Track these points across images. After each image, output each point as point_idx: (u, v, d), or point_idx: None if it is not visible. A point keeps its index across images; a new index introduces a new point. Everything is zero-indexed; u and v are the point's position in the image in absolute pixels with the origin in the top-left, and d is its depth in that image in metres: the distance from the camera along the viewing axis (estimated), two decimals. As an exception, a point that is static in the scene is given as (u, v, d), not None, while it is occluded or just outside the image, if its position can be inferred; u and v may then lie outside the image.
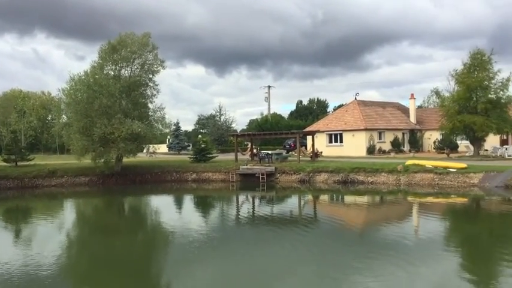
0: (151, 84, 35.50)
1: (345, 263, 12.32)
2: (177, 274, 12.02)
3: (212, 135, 65.78)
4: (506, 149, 37.08)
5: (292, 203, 26.44)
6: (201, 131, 78.36)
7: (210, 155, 40.46)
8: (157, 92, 35.96)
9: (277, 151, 41.99)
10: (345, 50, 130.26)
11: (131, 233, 18.45)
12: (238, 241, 15.92)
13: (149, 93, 35.73)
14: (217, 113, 76.44)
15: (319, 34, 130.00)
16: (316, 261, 12.71)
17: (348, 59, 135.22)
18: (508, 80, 36.14)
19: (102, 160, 33.19)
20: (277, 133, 43.60)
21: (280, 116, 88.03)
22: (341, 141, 47.23)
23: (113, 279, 11.90)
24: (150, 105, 36.15)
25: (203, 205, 26.67)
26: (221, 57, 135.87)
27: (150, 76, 35.24)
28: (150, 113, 35.91)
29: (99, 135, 31.37)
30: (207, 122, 78.30)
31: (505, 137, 44.34)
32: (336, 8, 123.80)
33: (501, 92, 36.40)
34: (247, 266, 12.53)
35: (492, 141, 41.66)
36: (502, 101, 36.34)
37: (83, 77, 33.15)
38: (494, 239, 15.24)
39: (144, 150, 37.26)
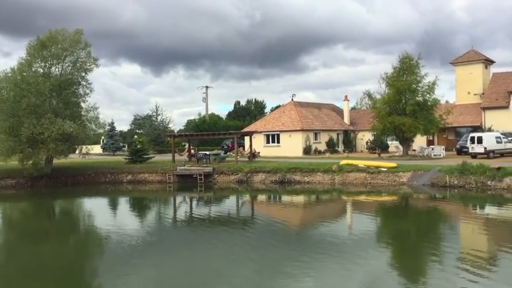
0: (84, 83, 34.39)
1: (282, 262, 12.46)
2: (111, 280, 11.63)
3: (149, 135, 64.46)
4: (432, 149, 39.14)
5: (229, 204, 26.45)
6: (137, 131, 76.56)
7: (147, 156, 39.67)
8: (91, 91, 34.94)
9: (215, 152, 41.85)
10: (282, 51, 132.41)
11: (62, 238, 17.70)
12: (175, 243, 15.71)
13: (82, 92, 34.56)
14: (154, 113, 74.93)
15: (257, 35, 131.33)
16: (254, 261, 12.79)
17: (286, 61, 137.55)
18: (433, 83, 38.19)
19: (31, 162, 31.60)
20: (215, 134, 43.50)
21: (218, 116, 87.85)
22: (278, 142, 47.84)
23: None
24: (82, 104, 35.00)
25: (139, 207, 26.07)
26: (158, 56, 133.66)
27: (83, 74, 34.10)
28: (82, 113, 34.68)
29: (27, 135, 29.86)
30: (143, 122, 76.58)
31: (431, 138, 46.82)
32: (273, 9, 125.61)
33: (428, 95, 38.37)
34: (184, 269, 12.38)
35: (419, 141, 43.83)
36: (429, 103, 38.30)
37: (10, 74, 31.54)
38: (421, 234, 16.05)
39: (77, 151, 35.88)
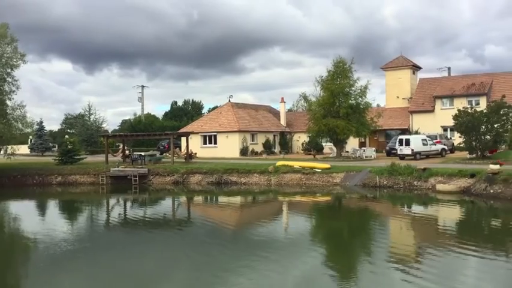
0: (9, 80, 32.61)
1: (218, 263, 12.42)
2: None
3: (81, 135, 61.98)
4: (364, 150, 40.64)
5: (165, 205, 26.03)
6: (68, 131, 73.29)
7: (78, 157, 38.18)
8: (17, 88, 33.26)
9: (150, 152, 41.07)
10: (220, 52, 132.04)
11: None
12: (107, 247, 15.21)
13: (7, 89, 32.73)
14: (87, 112, 72.21)
15: (195, 35, 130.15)
16: (191, 263, 12.65)
17: (223, 61, 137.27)
18: (365, 87, 39.67)
19: None
20: (151, 134, 42.69)
21: (154, 116, 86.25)
22: (215, 143, 47.72)
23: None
24: (8, 102, 33.16)
25: (69, 210, 25.00)
26: (90, 53, 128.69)
27: (9, 71, 32.36)
28: (8, 111, 32.86)
29: None
30: (75, 122, 73.55)
31: (363, 140, 48.58)
32: (210, 9, 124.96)
33: (360, 98, 39.80)
34: (118, 273, 12.02)
35: (352, 143, 45.36)
36: (361, 106, 39.75)
37: None
38: (354, 233, 16.62)
39: (1, 152, 33.87)
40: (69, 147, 37.88)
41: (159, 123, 73.41)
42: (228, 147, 45.94)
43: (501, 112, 31.84)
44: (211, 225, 18.71)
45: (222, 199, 26.93)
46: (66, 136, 43.89)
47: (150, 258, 13.17)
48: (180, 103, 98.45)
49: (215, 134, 47.66)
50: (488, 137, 31.78)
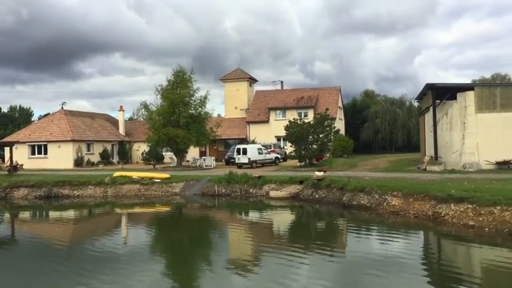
0: None
1: (52, 282, 11.37)
2: None
3: None
4: (204, 159, 41.40)
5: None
6: None
7: None
8: None
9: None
10: (53, 55, 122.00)
11: None
12: None
13: None
14: None
15: (24, 35, 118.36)
16: (22, 285, 11.34)
17: (57, 65, 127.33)
18: (205, 97, 40.60)
19: None
20: (-34, 143, 37.52)
21: (-30, 123, 76.08)
22: (45, 153, 44.11)
23: None
24: None
25: None
26: None
27: None
28: None
29: None
30: None
31: (203, 149, 49.49)
32: (41, 8, 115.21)
33: (200, 108, 40.55)
34: None
35: (193, 152, 45.87)
36: (201, 116, 40.49)
37: None
38: (194, 242, 16.68)
39: None
40: None
41: (-24, 131, 65.00)
42: (61, 158, 42.82)
43: (325, 123, 35.33)
44: (40, 243, 17.08)
45: (53, 214, 24.84)
46: None
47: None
48: (5, 109, 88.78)
49: (45, 143, 44.02)
50: (315, 146, 34.97)
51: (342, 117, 55.95)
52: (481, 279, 10.73)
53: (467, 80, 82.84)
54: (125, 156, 50.45)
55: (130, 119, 71.99)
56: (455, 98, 28.40)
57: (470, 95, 27.78)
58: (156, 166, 41.08)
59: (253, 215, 22.80)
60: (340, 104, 53.65)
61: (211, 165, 39.82)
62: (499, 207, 15.08)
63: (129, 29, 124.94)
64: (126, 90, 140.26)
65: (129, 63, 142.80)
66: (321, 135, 35.02)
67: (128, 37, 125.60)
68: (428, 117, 31.61)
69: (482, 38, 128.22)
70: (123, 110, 54.03)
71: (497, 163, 26.88)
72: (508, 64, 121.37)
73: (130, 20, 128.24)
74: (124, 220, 22.71)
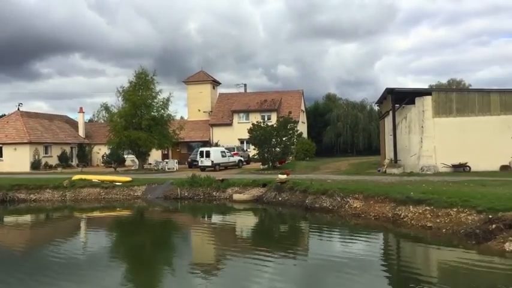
0: None
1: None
2: None
3: None
4: (167, 162, 40.92)
5: None
6: None
7: None
8: None
9: None
10: (9, 54, 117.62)
11: None
12: None
13: None
14: None
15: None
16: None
17: (13, 65, 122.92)
18: (167, 99, 40.18)
19: None
20: None
21: None
22: (0, 156, 42.57)
23: None
24: None
25: None
26: None
27: None
28: None
29: None
30: None
31: (166, 152, 48.93)
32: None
33: (162, 110, 40.09)
34: None
35: (155, 155, 45.30)
36: (164, 118, 40.04)
37: None
38: (156, 246, 16.42)
39: None
40: None
41: None
42: (17, 161, 41.47)
43: (288, 127, 35.63)
44: (-7, 250, 16.42)
45: (8, 219, 23.92)
46: None
47: None
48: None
49: (0, 145, 42.47)
50: (278, 149, 35.19)
51: (305, 120, 56.56)
52: (439, 278, 11.04)
53: (424, 85, 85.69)
54: (85, 159, 49.30)
55: (91, 120, 70.51)
56: (414, 103, 29.23)
57: (428, 99, 28.66)
58: (118, 169, 40.32)
59: (217, 218, 22.68)
60: (302, 108, 54.23)
61: (173, 168, 39.39)
62: (455, 209, 15.57)
63: (89, 29, 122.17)
64: (87, 92, 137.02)
65: (90, 64, 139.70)
66: (284, 138, 35.28)
67: (88, 37, 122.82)
68: (388, 121, 32.40)
69: (438, 45, 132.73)
70: (83, 112, 52.85)
71: (453, 166, 27.80)
72: (463, 70, 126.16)
73: (91, 20, 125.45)
74: (83, 224, 22.12)
